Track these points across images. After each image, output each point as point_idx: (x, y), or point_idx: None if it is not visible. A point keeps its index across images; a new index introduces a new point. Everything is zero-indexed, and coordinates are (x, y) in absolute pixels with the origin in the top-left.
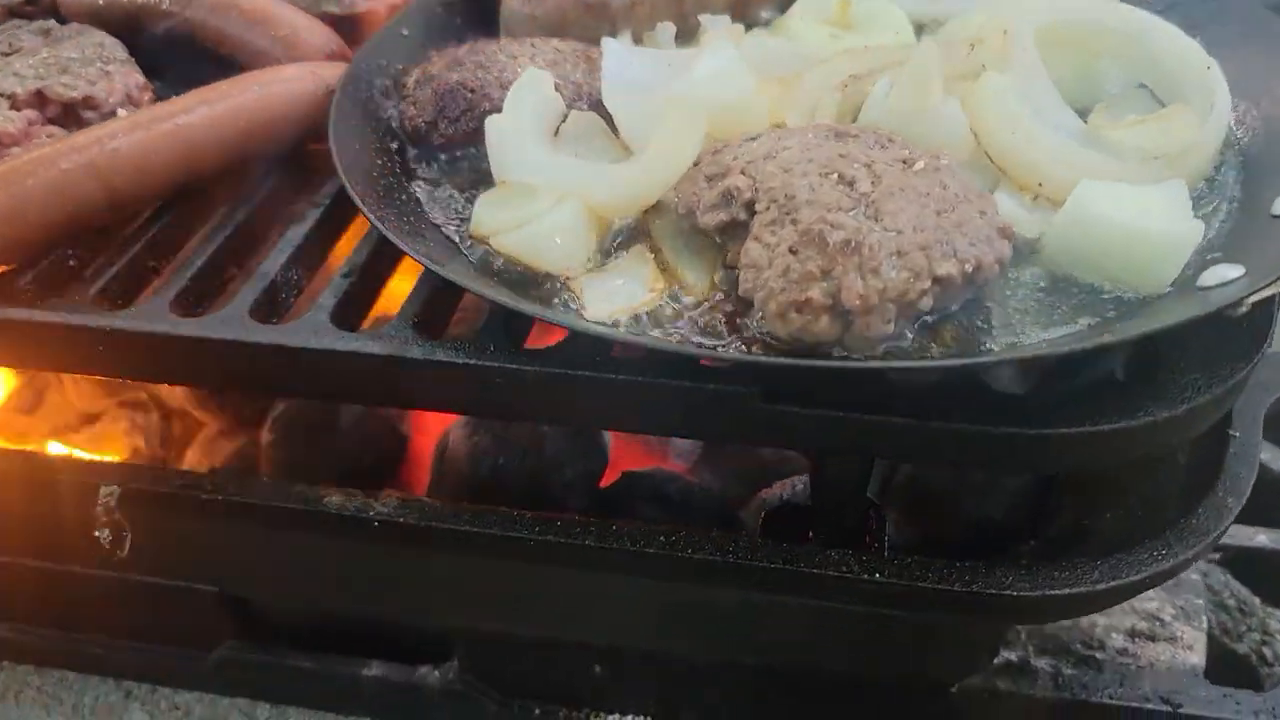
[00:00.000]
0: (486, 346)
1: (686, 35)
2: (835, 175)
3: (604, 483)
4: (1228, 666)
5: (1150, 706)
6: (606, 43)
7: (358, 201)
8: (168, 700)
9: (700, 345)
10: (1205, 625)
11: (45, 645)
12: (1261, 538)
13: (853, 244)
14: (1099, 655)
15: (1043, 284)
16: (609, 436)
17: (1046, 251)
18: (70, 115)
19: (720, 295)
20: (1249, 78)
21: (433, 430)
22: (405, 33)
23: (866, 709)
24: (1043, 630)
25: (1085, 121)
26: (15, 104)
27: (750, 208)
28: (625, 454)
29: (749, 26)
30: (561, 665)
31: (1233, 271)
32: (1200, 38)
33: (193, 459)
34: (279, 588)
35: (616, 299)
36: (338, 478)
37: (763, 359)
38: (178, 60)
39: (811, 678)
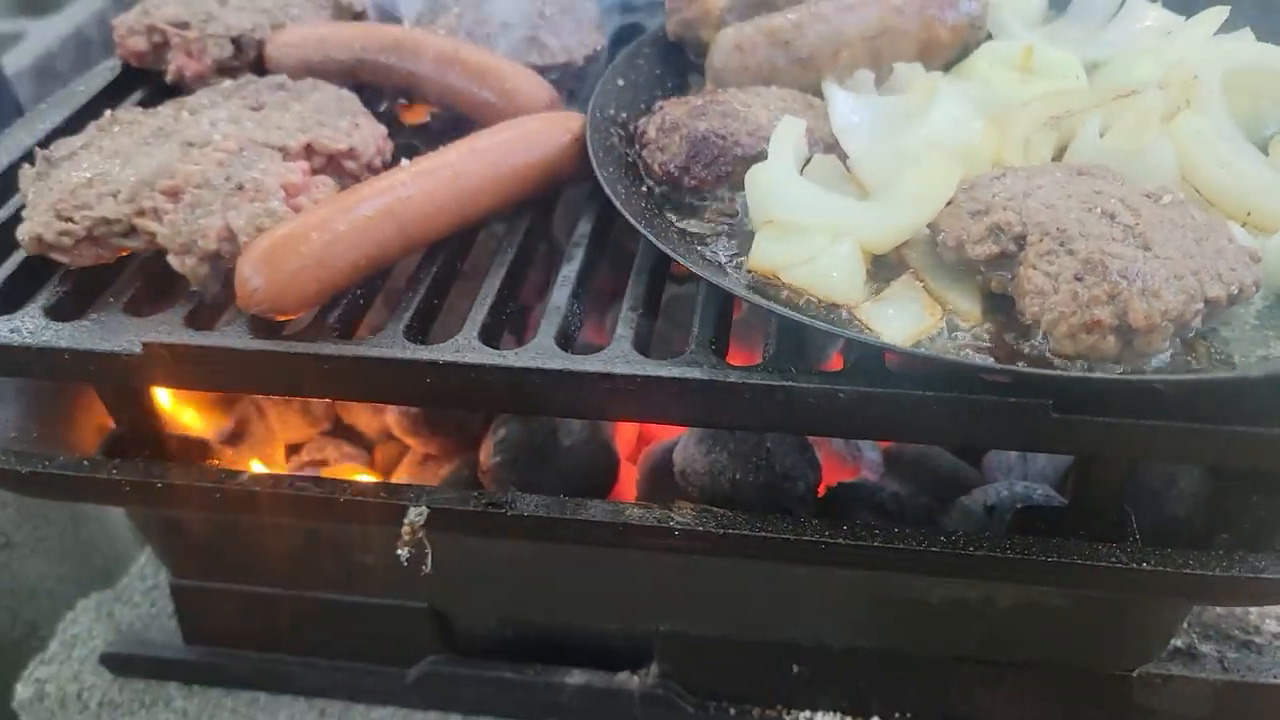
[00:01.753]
0: (788, 368)
1: (879, 81)
2: (1098, 210)
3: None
4: None
5: None
6: (830, 89)
7: (651, 238)
8: (362, 716)
9: (991, 363)
10: None
11: (240, 668)
12: None
13: (1134, 270)
14: (1257, 640)
15: (1265, 305)
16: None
17: (1267, 272)
18: (333, 165)
19: (993, 319)
20: None
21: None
22: (621, 83)
23: (1058, 693)
24: (1202, 619)
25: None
26: (288, 156)
27: (1020, 240)
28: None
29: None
30: (759, 666)
31: None
32: None
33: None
34: (500, 602)
35: (906, 324)
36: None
37: (1076, 374)
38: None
39: (998, 670)
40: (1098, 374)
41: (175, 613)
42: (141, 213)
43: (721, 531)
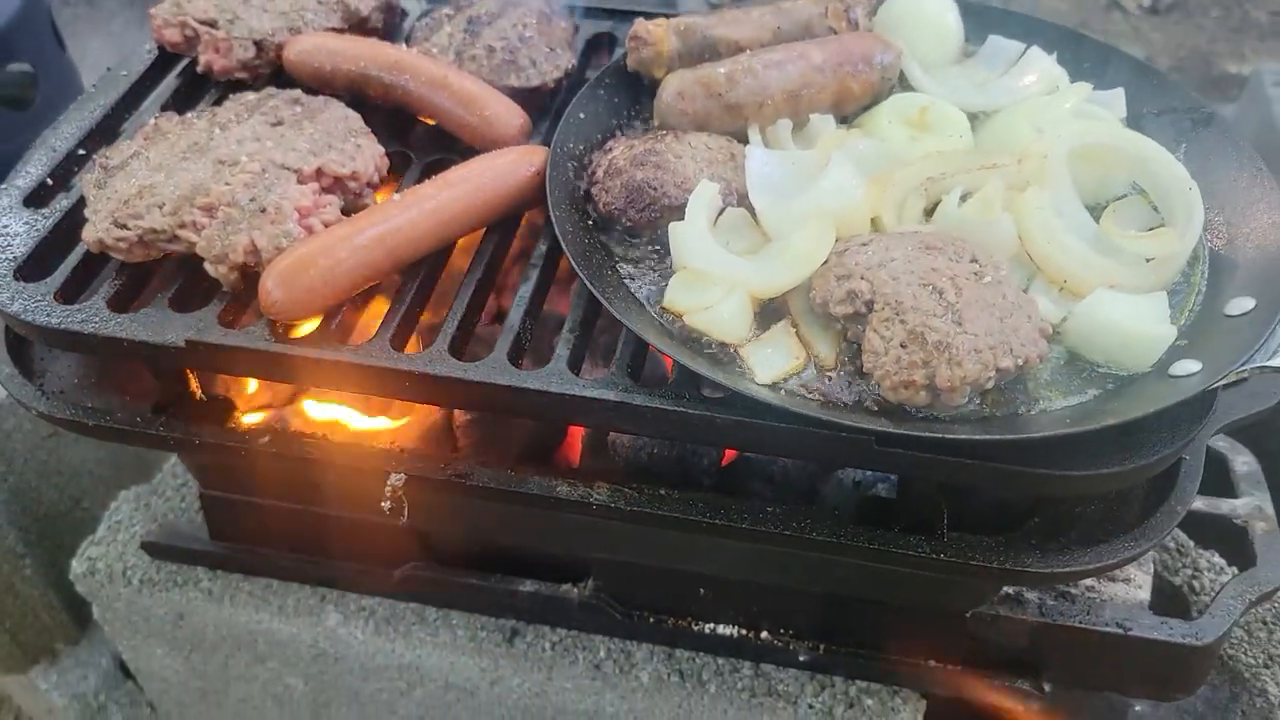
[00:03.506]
0: (684, 395)
1: (799, 126)
2: (931, 286)
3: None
4: (1165, 595)
5: (1108, 629)
6: (749, 149)
7: (587, 282)
8: (355, 603)
9: (834, 403)
10: (1152, 570)
11: (256, 560)
12: (1198, 503)
13: (944, 344)
14: (1073, 591)
15: (1063, 360)
16: None
17: (1066, 335)
18: (338, 185)
19: (845, 364)
20: (1220, 187)
21: None
22: (582, 116)
23: (903, 625)
24: None
25: (1099, 218)
26: (302, 178)
27: (870, 305)
28: None
29: (843, 119)
30: (674, 588)
31: (1193, 366)
32: (1185, 147)
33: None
34: (469, 530)
35: (775, 365)
36: (518, 451)
37: (885, 430)
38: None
39: (863, 603)
40: (901, 430)
41: (202, 513)
42: (183, 225)
43: (629, 509)
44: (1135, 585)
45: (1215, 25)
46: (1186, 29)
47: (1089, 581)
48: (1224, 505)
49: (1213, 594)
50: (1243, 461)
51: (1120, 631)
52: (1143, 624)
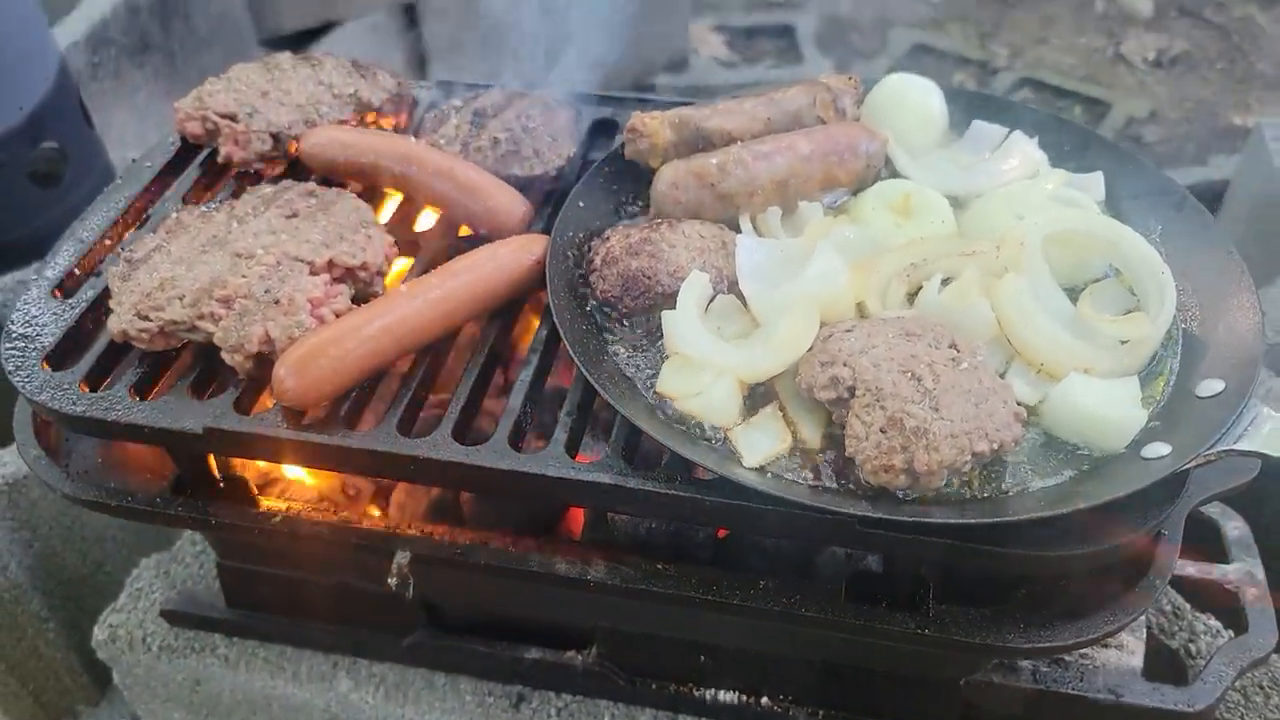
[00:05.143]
0: (676, 477)
1: (789, 213)
2: (909, 373)
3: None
4: (1163, 658)
5: (1101, 696)
6: (739, 239)
7: (584, 370)
8: (366, 669)
9: (819, 487)
10: (1145, 636)
11: (271, 627)
12: (1190, 569)
13: (921, 430)
14: (1066, 658)
15: (1041, 441)
16: None
17: (1043, 418)
18: (349, 275)
19: (830, 447)
20: (1193, 269)
21: None
22: (581, 204)
23: (899, 692)
24: None
25: (1077, 298)
26: (314, 270)
27: (852, 390)
28: None
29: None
30: (675, 655)
31: (1164, 449)
32: (1160, 229)
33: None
34: (474, 601)
35: (762, 448)
36: (522, 523)
37: (865, 514)
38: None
39: (860, 671)
40: (880, 514)
41: (219, 582)
42: (201, 316)
43: (625, 585)
44: (1128, 651)
45: (1220, 78)
46: (1192, 82)
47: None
48: (1216, 571)
49: (1209, 657)
50: (1234, 527)
51: (1113, 699)
52: (1135, 691)
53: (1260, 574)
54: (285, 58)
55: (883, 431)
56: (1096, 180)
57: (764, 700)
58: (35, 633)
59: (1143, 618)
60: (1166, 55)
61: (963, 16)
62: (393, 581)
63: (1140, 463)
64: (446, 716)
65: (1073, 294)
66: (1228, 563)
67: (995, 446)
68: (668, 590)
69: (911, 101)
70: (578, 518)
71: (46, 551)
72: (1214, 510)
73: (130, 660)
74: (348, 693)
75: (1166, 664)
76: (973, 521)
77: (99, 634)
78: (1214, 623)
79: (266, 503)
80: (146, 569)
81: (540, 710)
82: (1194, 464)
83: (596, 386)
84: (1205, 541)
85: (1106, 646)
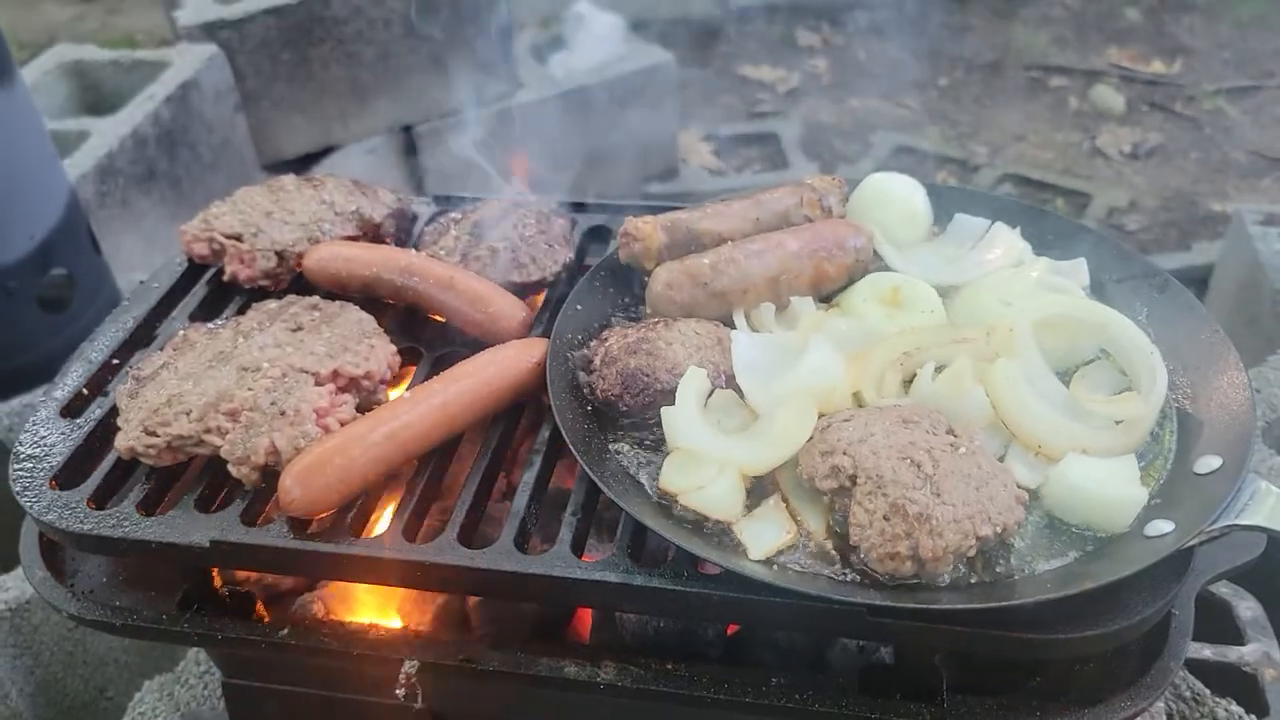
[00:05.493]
0: (682, 573)
1: (781, 308)
2: (909, 459)
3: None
4: None
5: None
6: (735, 335)
7: (587, 469)
8: None
9: (826, 577)
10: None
11: None
12: (1206, 652)
13: (924, 515)
14: None
15: (1044, 523)
16: None
17: (1044, 500)
18: (354, 385)
19: (835, 536)
20: (1182, 348)
21: None
22: (579, 308)
23: None
24: None
25: (1069, 380)
26: (319, 380)
27: (853, 479)
28: None
29: (824, 298)
30: None
31: (1166, 526)
32: (1146, 311)
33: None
34: (484, 711)
35: (767, 540)
36: (531, 627)
37: (872, 602)
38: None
39: None
40: (888, 602)
41: (224, 701)
42: (209, 430)
43: (635, 686)
44: None
45: (1196, 167)
46: (1169, 171)
47: None
48: (1232, 653)
49: None
50: (1246, 607)
51: None
52: None
53: (1277, 654)
54: (289, 179)
55: (886, 519)
56: (1080, 266)
57: None
58: None
59: (1161, 704)
60: (1142, 148)
61: (942, 118)
62: (401, 692)
63: (1144, 541)
64: None
65: (1064, 377)
66: (1243, 644)
67: (999, 530)
68: (679, 690)
69: (895, 198)
70: (585, 620)
71: (48, 678)
72: (1225, 591)
73: None
74: None
75: None
76: (982, 606)
77: None
78: (1235, 708)
79: (272, 616)
80: (149, 692)
81: None
82: (1198, 540)
83: (600, 484)
84: (1219, 623)
85: None
